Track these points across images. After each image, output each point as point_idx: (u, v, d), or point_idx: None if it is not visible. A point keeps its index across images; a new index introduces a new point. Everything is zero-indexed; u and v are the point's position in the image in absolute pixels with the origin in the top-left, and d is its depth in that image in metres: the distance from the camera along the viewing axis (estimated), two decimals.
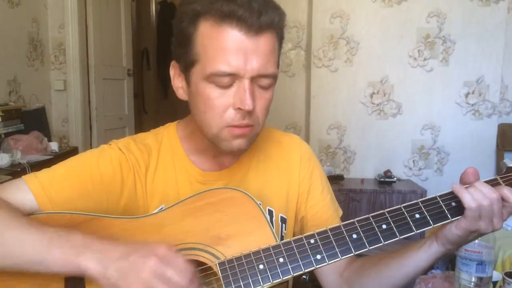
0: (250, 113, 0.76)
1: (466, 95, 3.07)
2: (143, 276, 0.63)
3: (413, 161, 3.17)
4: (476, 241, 0.98)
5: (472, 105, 3.08)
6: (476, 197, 0.71)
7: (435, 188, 2.92)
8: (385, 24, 3.04)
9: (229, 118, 0.76)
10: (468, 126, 3.09)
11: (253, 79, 0.75)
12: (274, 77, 0.78)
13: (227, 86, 0.75)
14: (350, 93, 3.13)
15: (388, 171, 3.08)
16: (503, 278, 1.03)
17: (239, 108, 0.75)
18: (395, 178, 3.03)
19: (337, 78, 3.13)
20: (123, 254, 0.65)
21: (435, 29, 3.02)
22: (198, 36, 0.75)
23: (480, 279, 0.97)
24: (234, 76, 0.74)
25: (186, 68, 0.79)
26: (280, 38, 0.79)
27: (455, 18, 2.99)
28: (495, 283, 1.04)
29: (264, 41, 0.74)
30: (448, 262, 2.11)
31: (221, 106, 0.76)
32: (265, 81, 0.77)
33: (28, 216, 0.75)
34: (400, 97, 3.12)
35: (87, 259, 0.65)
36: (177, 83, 0.84)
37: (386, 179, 3.01)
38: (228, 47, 0.73)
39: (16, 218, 0.71)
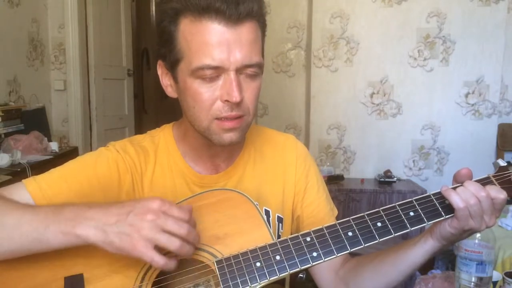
0: (238, 104, 0.76)
1: (466, 95, 3.07)
2: (144, 233, 0.64)
3: (413, 161, 3.18)
4: (476, 241, 0.98)
5: (472, 105, 3.08)
6: (464, 197, 0.72)
7: (435, 188, 2.90)
8: (385, 24, 3.05)
9: (217, 110, 0.77)
10: (468, 126, 3.09)
11: (239, 70, 0.76)
12: (259, 66, 0.78)
13: (213, 79, 0.76)
14: (350, 93, 3.14)
15: (388, 171, 3.08)
16: (503, 278, 1.03)
17: (226, 100, 0.76)
18: (395, 178, 3.03)
19: (337, 78, 3.13)
20: (119, 216, 0.66)
21: (435, 29, 3.02)
22: (179, 34, 0.76)
23: (480, 279, 0.97)
24: (219, 69, 0.75)
25: (172, 66, 0.80)
26: (262, 26, 0.80)
27: (455, 18, 3.00)
28: (495, 283, 1.04)
29: (246, 31, 0.75)
30: (448, 262, 2.11)
31: (209, 100, 0.77)
32: (251, 71, 0.77)
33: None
34: (400, 97, 3.12)
35: (85, 228, 0.66)
36: (165, 81, 0.85)
37: (386, 179, 3.01)
38: (210, 40, 0.73)
39: (12, 203, 0.73)
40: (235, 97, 0.74)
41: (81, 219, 0.67)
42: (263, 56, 0.81)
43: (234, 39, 0.74)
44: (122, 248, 0.65)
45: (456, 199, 0.73)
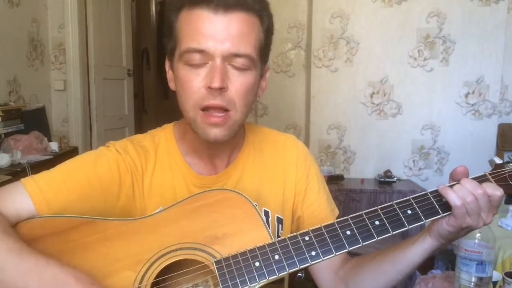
0: (221, 93, 0.76)
1: (466, 95, 3.07)
2: None
3: (413, 161, 3.17)
4: (476, 241, 0.98)
5: (472, 105, 3.08)
6: (461, 194, 0.73)
7: (435, 188, 2.91)
8: (385, 24, 3.05)
9: (200, 98, 0.77)
10: (468, 126, 3.09)
11: (226, 59, 0.76)
12: (249, 58, 0.78)
13: (200, 66, 0.77)
14: (350, 93, 3.13)
15: (388, 171, 3.08)
16: (503, 278, 1.03)
17: (209, 87, 0.76)
18: (395, 178, 3.03)
19: (337, 78, 3.13)
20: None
21: (435, 29, 3.02)
22: (177, 24, 0.79)
23: (480, 279, 0.97)
24: (205, 54, 0.76)
25: (170, 56, 0.82)
26: (263, 23, 0.81)
27: (455, 18, 2.99)
28: (495, 283, 1.04)
29: (236, 20, 0.76)
30: (448, 262, 2.11)
31: (195, 87, 0.77)
32: (239, 61, 0.77)
33: (15, 226, 0.74)
34: (400, 97, 3.12)
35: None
36: (169, 76, 0.86)
37: (386, 179, 3.01)
38: (198, 26, 0.76)
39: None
40: (216, 82, 0.75)
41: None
42: (265, 56, 0.81)
43: (222, 27, 0.75)
44: None
45: (453, 197, 0.73)
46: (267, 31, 0.82)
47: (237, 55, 0.76)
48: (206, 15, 0.76)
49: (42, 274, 0.65)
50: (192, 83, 0.77)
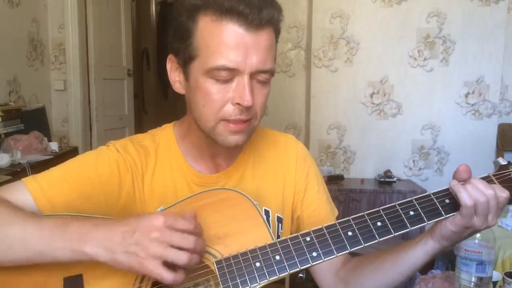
0: (248, 108, 0.76)
1: (466, 95, 3.07)
2: (151, 251, 0.64)
3: (413, 161, 3.17)
4: (476, 241, 0.98)
5: (472, 105, 3.08)
6: (473, 194, 0.72)
7: (435, 188, 2.90)
8: (385, 24, 3.04)
9: (226, 113, 0.77)
10: (468, 126, 3.09)
11: (252, 75, 0.76)
12: (271, 73, 0.78)
13: (226, 81, 0.76)
14: (350, 93, 3.13)
15: (388, 171, 3.08)
16: (503, 278, 1.03)
17: (237, 104, 0.76)
18: (395, 178, 3.03)
19: (337, 78, 3.13)
20: (125, 235, 0.66)
21: (435, 29, 3.02)
22: (198, 31, 0.76)
23: (480, 279, 0.97)
24: (234, 71, 0.74)
25: (185, 62, 0.79)
26: (277, 34, 0.80)
27: (455, 18, 2.99)
28: (495, 283, 1.04)
29: (264, 37, 0.75)
30: (448, 262, 2.11)
31: (220, 101, 0.76)
32: (263, 77, 0.77)
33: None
34: (400, 97, 3.12)
35: (93, 248, 0.66)
36: (174, 76, 0.84)
37: (386, 179, 3.01)
38: (228, 42, 0.73)
39: (14, 212, 0.72)
40: (247, 101, 0.74)
41: (89, 238, 0.67)
42: (275, 62, 0.81)
43: (253, 43, 0.74)
44: (131, 266, 0.65)
45: (465, 195, 0.72)
46: (278, 38, 0.82)
47: (262, 71, 0.76)
48: (238, 31, 0.73)
49: (63, 231, 0.68)
50: (218, 96, 0.76)
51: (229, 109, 0.77)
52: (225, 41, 0.73)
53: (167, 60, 0.84)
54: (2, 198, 0.75)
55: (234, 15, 0.72)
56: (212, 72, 0.75)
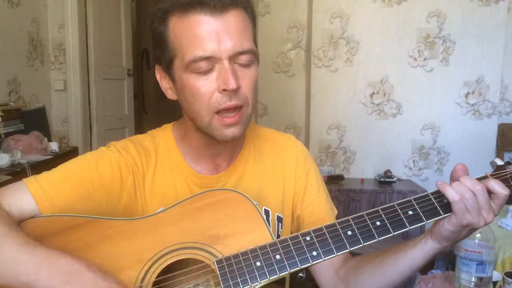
0: (236, 92, 0.77)
1: (466, 95, 3.07)
2: None
3: (413, 161, 3.18)
4: (476, 241, 0.98)
5: (472, 105, 3.08)
6: (458, 189, 0.73)
7: (435, 188, 2.92)
8: (385, 24, 3.05)
9: (216, 102, 0.77)
10: (468, 126, 3.09)
11: (232, 59, 0.76)
12: (252, 52, 0.78)
13: (207, 71, 0.76)
14: (350, 93, 3.14)
15: (388, 171, 3.08)
16: (503, 278, 1.03)
17: (224, 90, 0.76)
18: (395, 178, 3.03)
19: (337, 78, 3.13)
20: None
21: (435, 29, 3.02)
22: (170, 32, 0.78)
23: (480, 279, 0.97)
24: (211, 59, 0.75)
25: (168, 66, 0.81)
26: (251, 16, 0.81)
27: (455, 18, 3.00)
28: (495, 283, 1.04)
29: (233, 19, 0.76)
30: (448, 262, 2.11)
31: (208, 92, 0.77)
32: (244, 58, 0.77)
33: (20, 225, 0.74)
34: (400, 97, 3.12)
35: None
36: (165, 84, 0.85)
37: (386, 179, 3.01)
38: (198, 32, 0.75)
39: (10, 233, 0.69)
40: (231, 84, 0.75)
41: (74, 280, 0.65)
42: (256, 45, 0.81)
43: (223, 27, 0.75)
44: None
45: (451, 192, 0.73)
46: (253, 20, 0.82)
47: (241, 53, 0.77)
48: (204, 19, 0.75)
49: (53, 264, 0.66)
50: (204, 89, 0.77)
51: (218, 98, 0.77)
52: (195, 33, 0.75)
53: (155, 71, 0.86)
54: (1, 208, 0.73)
55: (196, 6, 0.74)
56: (191, 66, 0.76)
